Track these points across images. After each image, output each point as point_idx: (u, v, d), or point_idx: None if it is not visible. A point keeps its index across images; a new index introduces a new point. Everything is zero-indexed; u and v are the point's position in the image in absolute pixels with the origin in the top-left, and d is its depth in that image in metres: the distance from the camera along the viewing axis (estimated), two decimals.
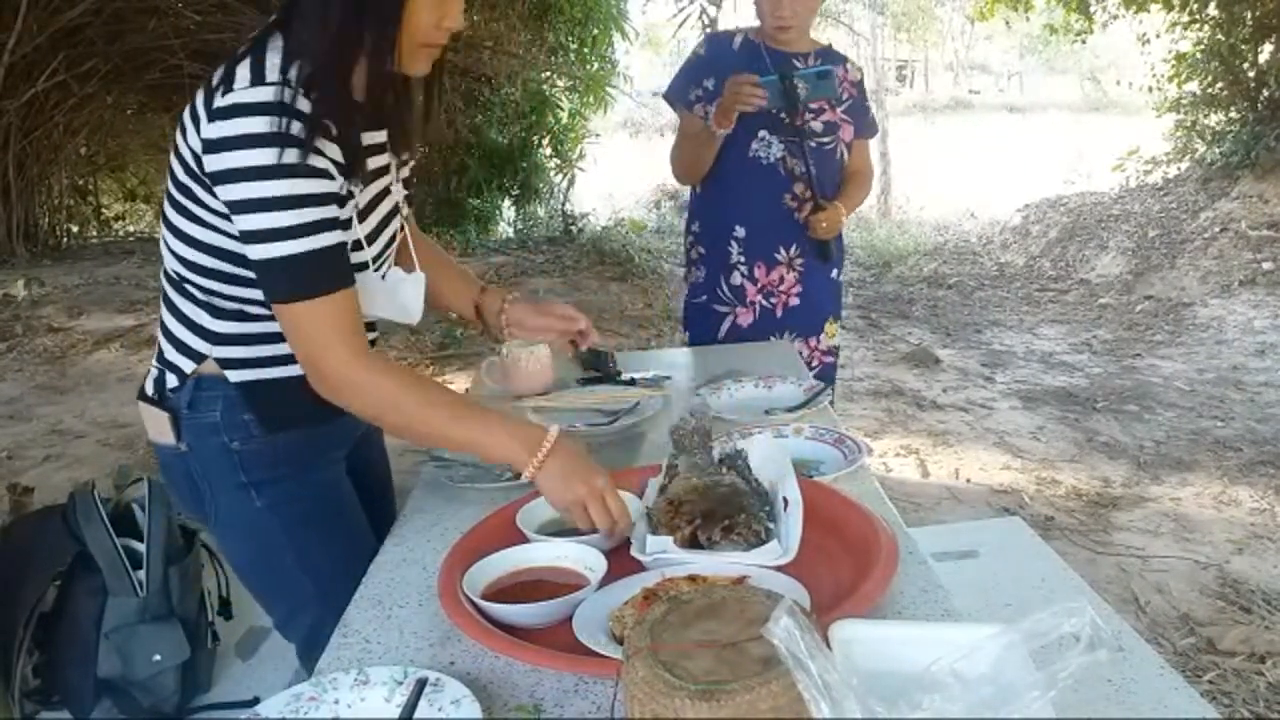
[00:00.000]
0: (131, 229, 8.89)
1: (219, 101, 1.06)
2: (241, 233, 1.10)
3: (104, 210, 8.74)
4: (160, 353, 1.29)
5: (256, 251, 1.10)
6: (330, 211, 1.12)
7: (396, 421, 1.19)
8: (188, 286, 1.23)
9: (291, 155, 1.06)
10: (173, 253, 1.22)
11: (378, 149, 1.28)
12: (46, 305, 5.84)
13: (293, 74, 1.09)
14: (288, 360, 1.22)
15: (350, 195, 1.19)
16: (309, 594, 1.33)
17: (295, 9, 1.12)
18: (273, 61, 1.09)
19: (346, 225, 1.17)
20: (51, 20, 6.28)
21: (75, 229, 8.31)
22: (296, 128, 1.07)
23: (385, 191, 1.32)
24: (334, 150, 1.13)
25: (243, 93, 1.06)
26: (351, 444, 1.42)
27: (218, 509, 1.32)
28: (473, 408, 1.25)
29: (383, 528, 1.36)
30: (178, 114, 1.17)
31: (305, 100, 1.09)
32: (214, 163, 1.07)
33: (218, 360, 1.24)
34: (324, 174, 1.11)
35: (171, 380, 1.26)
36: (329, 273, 1.12)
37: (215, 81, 1.10)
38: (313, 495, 1.34)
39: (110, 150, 8.50)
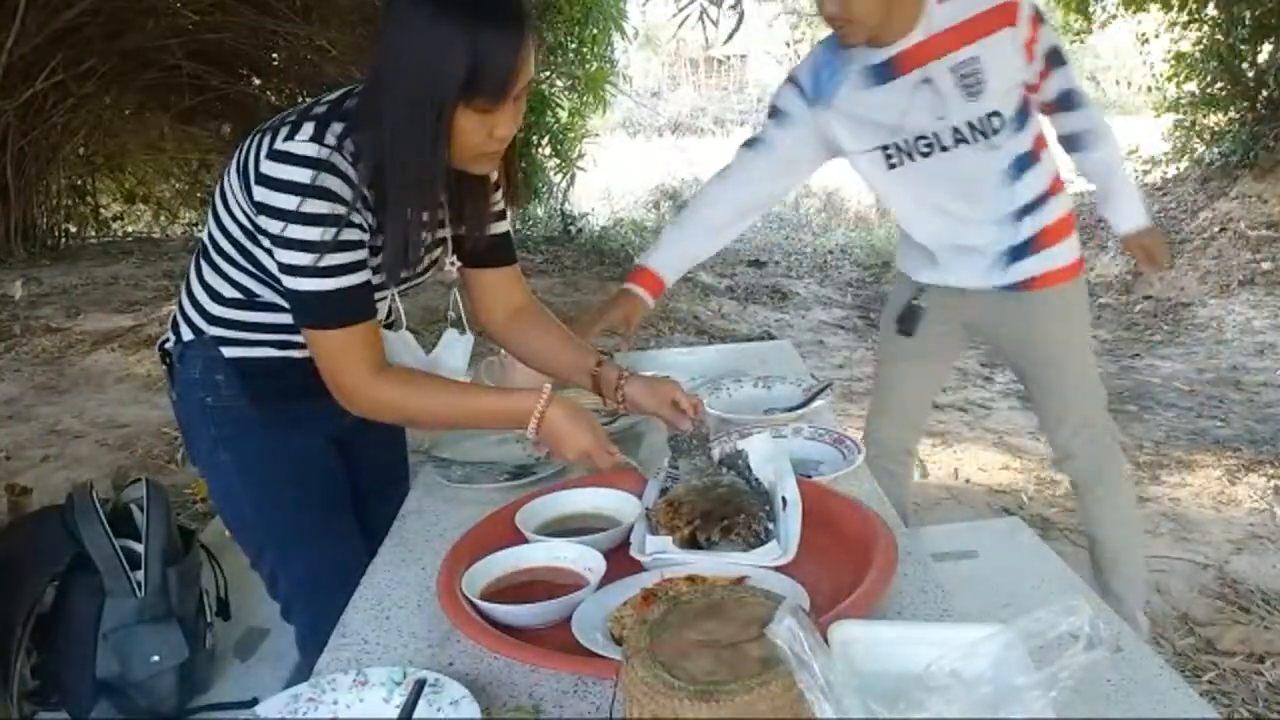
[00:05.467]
0: (130, 229, 8.86)
1: (279, 144, 1.19)
2: (278, 264, 1.24)
3: (102, 210, 8.71)
4: (174, 314, 1.45)
5: (288, 282, 1.24)
6: (355, 255, 1.24)
7: (409, 424, 1.47)
8: (202, 262, 1.38)
9: (323, 206, 1.18)
10: (208, 226, 1.37)
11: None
12: (45, 305, 5.83)
13: (348, 146, 1.20)
14: (273, 344, 1.38)
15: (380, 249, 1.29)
16: (265, 543, 1.49)
17: (371, 92, 1.19)
18: (335, 128, 1.20)
19: (373, 255, 1.27)
20: (50, 20, 6.27)
21: (73, 229, 8.28)
22: (334, 184, 1.19)
23: (431, 265, 1.45)
24: (368, 215, 1.25)
25: (300, 144, 1.18)
26: (337, 423, 1.48)
27: (197, 455, 1.49)
28: (467, 399, 1.35)
29: (393, 495, 1.52)
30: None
31: (352, 168, 1.20)
32: (261, 194, 1.20)
33: (213, 338, 1.39)
34: (356, 226, 1.23)
35: (171, 339, 1.44)
36: (348, 308, 1.24)
37: (291, 120, 1.21)
38: (278, 460, 1.44)
39: (108, 150, 8.47)
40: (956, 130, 1.84)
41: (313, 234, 1.19)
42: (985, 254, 1.96)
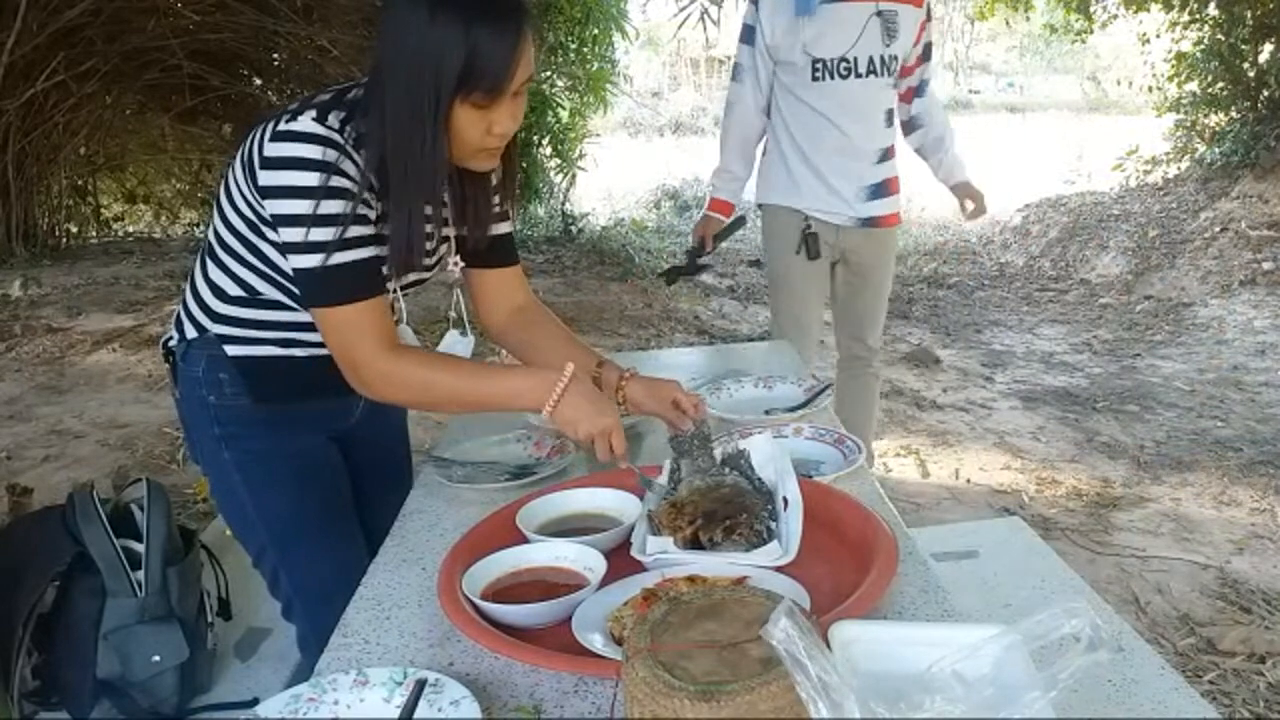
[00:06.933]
0: (131, 229, 8.87)
1: (283, 125, 1.20)
2: (282, 244, 1.23)
3: (103, 210, 8.71)
4: (178, 311, 1.44)
5: (293, 261, 1.23)
6: (362, 230, 1.23)
7: (423, 405, 1.41)
8: (207, 260, 1.37)
9: (332, 180, 1.18)
10: (212, 223, 1.36)
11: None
12: (46, 306, 5.83)
13: (349, 131, 1.21)
14: (276, 343, 1.37)
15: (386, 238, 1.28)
16: (266, 542, 1.47)
17: (373, 85, 1.21)
18: (338, 114, 1.21)
19: (379, 241, 1.26)
20: (51, 20, 6.27)
21: (74, 229, 8.28)
22: (338, 157, 1.19)
23: (436, 264, 1.44)
24: (371, 198, 1.25)
25: (304, 123, 1.19)
26: (340, 422, 1.51)
27: (199, 453, 1.47)
28: (486, 376, 1.32)
29: (395, 496, 1.49)
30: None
31: (355, 151, 1.21)
32: (266, 178, 1.21)
33: (217, 336, 1.38)
34: (362, 201, 1.22)
35: (175, 337, 1.43)
36: (358, 283, 1.23)
37: (293, 108, 1.23)
38: (281, 459, 1.43)
39: (109, 150, 8.47)
40: (871, 60, 2.49)
41: (315, 208, 1.18)
42: (852, 183, 2.60)
